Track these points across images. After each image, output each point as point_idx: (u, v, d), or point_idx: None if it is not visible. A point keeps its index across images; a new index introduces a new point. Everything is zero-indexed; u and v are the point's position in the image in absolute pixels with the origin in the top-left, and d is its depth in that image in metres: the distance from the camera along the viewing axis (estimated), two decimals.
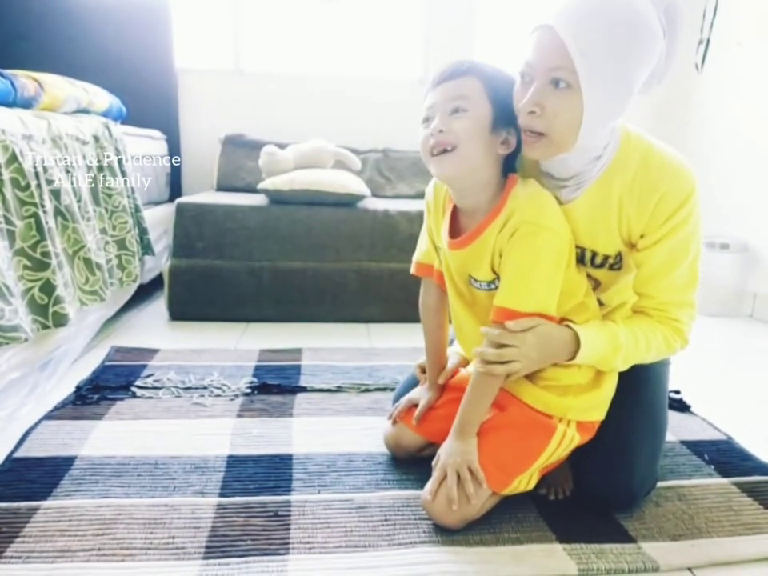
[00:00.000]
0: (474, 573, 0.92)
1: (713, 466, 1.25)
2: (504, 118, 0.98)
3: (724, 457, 1.29)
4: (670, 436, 1.34)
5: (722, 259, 2.58)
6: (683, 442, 1.35)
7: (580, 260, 1.08)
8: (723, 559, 0.98)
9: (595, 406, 1.06)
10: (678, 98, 3.18)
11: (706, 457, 1.28)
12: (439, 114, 0.98)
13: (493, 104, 0.98)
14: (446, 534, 0.99)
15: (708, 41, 2.89)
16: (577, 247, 1.07)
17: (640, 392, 1.11)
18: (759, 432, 1.45)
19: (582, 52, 0.86)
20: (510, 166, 1.04)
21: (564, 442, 1.03)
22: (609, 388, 1.07)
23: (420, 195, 1.46)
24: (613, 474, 1.05)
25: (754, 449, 1.33)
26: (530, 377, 1.05)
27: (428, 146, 0.99)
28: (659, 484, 1.16)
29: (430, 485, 1.01)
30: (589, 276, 1.10)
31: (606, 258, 1.07)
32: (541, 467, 1.04)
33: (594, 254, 1.07)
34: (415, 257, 1.23)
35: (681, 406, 1.54)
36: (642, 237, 1.01)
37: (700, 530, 1.04)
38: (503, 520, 1.04)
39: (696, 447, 1.33)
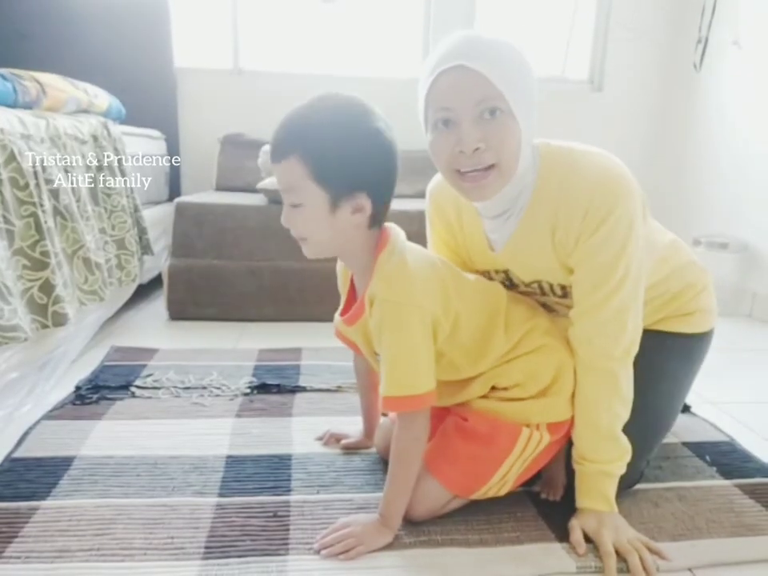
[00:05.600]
0: (474, 573, 0.92)
1: (715, 468, 1.24)
2: (343, 190, 0.90)
3: (726, 458, 1.29)
4: (671, 437, 1.34)
5: (721, 259, 2.58)
6: (685, 444, 1.35)
7: (542, 292, 1.08)
8: (723, 560, 0.97)
9: (558, 407, 1.03)
10: (677, 97, 3.18)
11: (708, 459, 1.28)
12: (285, 204, 0.94)
13: (323, 185, 0.89)
14: (446, 534, 0.99)
15: (706, 40, 2.90)
16: (534, 282, 1.07)
17: (633, 397, 1.10)
18: (760, 433, 1.45)
19: (502, 76, 0.87)
20: (378, 219, 0.97)
21: (530, 444, 1.01)
22: (568, 390, 1.04)
23: (420, 194, 1.46)
24: None
25: (755, 450, 1.33)
26: (486, 394, 1.05)
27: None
28: (659, 485, 1.16)
29: None
30: (561, 303, 1.09)
31: (564, 287, 1.05)
32: (517, 473, 1.03)
33: (551, 285, 1.06)
34: (336, 317, 1.16)
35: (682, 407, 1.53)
36: (571, 257, 0.99)
37: (700, 531, 1.04)
38: (502, 520, 1.04)
39: (698, 449, 1.32)
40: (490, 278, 1.12)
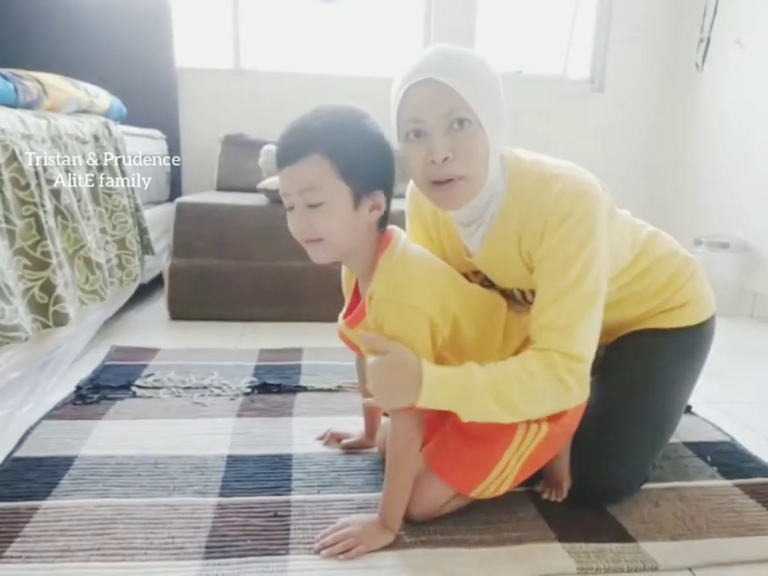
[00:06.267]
0: (474, 573, 0.92)
1: (715, 468, 1.24)
2: (365, 187, 0.92)
3: (726, 458, 1.29)
4: (672, 437, 1.34)
5: (721, 259, 2.57)
6: (685, 444, 1.35)
7: (515, 300, 1.10)
8: (724, 559, 0.97)
9: None
10: (679, 97, 3.18)
11: (709, 459, 1.28)
12: (298, 206, 0.92)
13: (347, 181, 0.90)
14: (446, 534, 0.99)
15: (708, 39, 2.90)
16: (509, 289, 1.09)
17: (635, 397, 1.10)
18: (761, 432, 1.45)
19: (469, 88, 0.90)
20: (386, 219, 0.99)
21: (528, 435, 1.00)
22: None
23: None
24: (596, 474, 1.07)
25: (756, 450, 1.33)
26: None
27: (296, 235, 0.96)
28: (660, 485, 1.16)
29: None
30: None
31: (535, 292, 1.07)
32: (515, 468, 1.02)
33: (523, 292, 1.08)
34: (340, 319, 1.15)
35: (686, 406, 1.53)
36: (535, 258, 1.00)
37: (701, 531, 1.03)
38: (503, 520, 1.04)
39: (698, 449, 1.32)
40: (470, 280, 1.12)
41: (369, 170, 0.93)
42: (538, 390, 0.93)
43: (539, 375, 0.92)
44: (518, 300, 1.10)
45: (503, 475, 1.02)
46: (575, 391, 0.94)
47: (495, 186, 0.99)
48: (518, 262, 1.02)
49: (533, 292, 1.07)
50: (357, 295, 1.07)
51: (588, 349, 0.96)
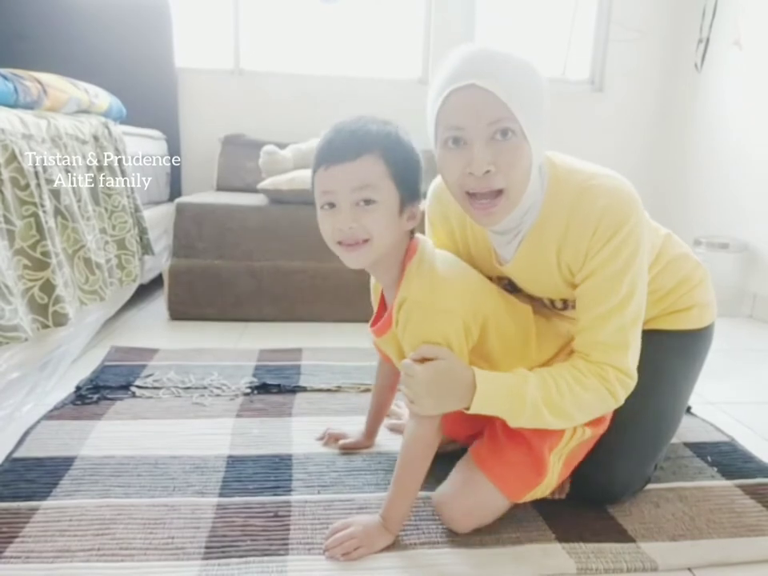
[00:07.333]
0: (474, 573, 0.92)
1: (715, 468, 1.24)
2: (409, 194, 0.93)
3: (726, 458, 1.29)
4: (673, 438, 1.34)
5: (721, 259, 2.57)
6: (686, 444, 1.35)
7: (543, 305, 1.09)
8: (724, 560, 0.97)
9: None
10: (678, 98, 3.18)
11: (709, 459, 1.28)
12: (345, 205, 0.89)
13: (397, 185, 0.91)
14: (446, 535, 0.99)
15: (707, 40, 2.90)
16: (538, 297, 1.08)
17: (638, 398, 1.10)
18: (761, 433, 1.45)
19: (514, 97, 0.85)
20: (412, 231, 0.99)
21: (574, 438, 1.01)
22: None
23: None
24: (596, 474, 1.07)
25: (756, 450, 1.33)
26: None
27: (335, 238, 0.92)
28: (660, 485, 1.16)
29: (446, 487, 1.02)
30: (562, 315, 1.11)
31: (565, 301, 1.07)
32: (558, 469, 1.02)
33: (552, 301, 1.08)
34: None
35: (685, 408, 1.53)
36: (579, 273, 0.98)
37: (701, 531, 1.03)
38: (503, 520, 1.03)
39: (698, 449, 1.32)
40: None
41: (411, 180, 0.93)
42: (589, 401, 0.95)
43: (592, 388, 0.94)
44: (546, 305, 1.10)
45: (547, 480, 1.01)
46: (620, 401, 0.98)
47: (534, 195, 0.96)
48: (555, 274, 1.00)
49: (563, 300, 1.07)
50: (383, 305, 1.07)
51: (635, 363, 0.98)
